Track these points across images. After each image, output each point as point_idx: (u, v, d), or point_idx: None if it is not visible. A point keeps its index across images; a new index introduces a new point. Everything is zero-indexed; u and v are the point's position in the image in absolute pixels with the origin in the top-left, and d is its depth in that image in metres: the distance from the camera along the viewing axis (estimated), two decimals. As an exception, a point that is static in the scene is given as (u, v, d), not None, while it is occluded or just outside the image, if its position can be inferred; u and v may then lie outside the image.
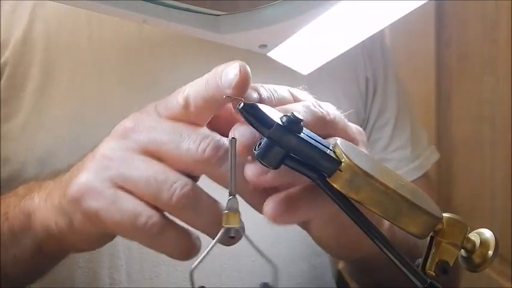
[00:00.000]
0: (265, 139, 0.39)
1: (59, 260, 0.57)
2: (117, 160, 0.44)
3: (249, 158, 0.41)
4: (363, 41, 0.78)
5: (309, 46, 0.57)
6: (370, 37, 0.79)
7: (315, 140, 0.40)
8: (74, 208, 0.45)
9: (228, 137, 0.41)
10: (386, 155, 0.80)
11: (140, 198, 0.43)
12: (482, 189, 1.27)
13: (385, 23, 0.55)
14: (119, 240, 0.67)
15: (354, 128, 0.47)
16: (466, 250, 0.43)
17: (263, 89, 0.44)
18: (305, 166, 0.40)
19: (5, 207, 0.56)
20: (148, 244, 0.44)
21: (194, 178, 0.44)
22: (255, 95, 0.43)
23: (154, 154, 0.43)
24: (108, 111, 0.47)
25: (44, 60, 0.68)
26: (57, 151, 0.66)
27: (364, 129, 0.79)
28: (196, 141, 0.42)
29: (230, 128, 0.42)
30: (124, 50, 0.69)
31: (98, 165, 0.44)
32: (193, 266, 0.40)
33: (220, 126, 0.44)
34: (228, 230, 0.41)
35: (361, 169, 0.39)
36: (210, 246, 0.40)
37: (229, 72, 0.42)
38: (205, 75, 0.43)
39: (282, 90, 0.45)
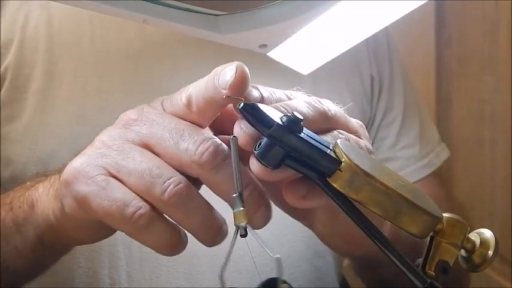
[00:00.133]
0: (265, 139, 0.39)
1: (60, 254, 0.57)
2: (114, 149, 0.44)
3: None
4: (367, 39, 0.78)
5: (309, 46, 0.57)
6: (375, 35, 0.79)
7: (315, 139, 0.40)
8: (65, 191, 0.45)
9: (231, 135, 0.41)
10: (394, 153, 0.79)
11: (132, 189, 0.43)
12: (482, 189, 1.27)
13: (385, 23, 0.55)
14: (119, 240, 0.67)
15: (354, 122, 0.47)
16: (466, 250, 0.43)
17: (263, 89, 0.44)
18: (305, 166, 0.40)
19: (10, 198, 0.56)
20: (134, 235, 0.44)
21: (199, 180, 0.44)
22: (256, 94, 0.43)
23: (152, 149, 0.43)
24: (109, 112, 0.47)
25: (46, 61, 0.68)
26: (58, 152, 0.66)
27: (371, 127, 0.79)
28: (196, 143, 0.42)
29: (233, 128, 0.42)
30: (126, 51, 0.69)
31: (95, 151, 0.44)
32: (221, 269, 0.40)
33: (224, 126, 0.44)
34: (238, 228, 0.41)
35: (361, 169, 0.39)
36: (230, 248, 0.40)
37: (226, 73, 0.42)
38: (206, 76, 0.43)
39: (279, 92, 0.45)
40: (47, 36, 0.68)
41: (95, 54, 0.68)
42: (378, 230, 0.40)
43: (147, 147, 0.43)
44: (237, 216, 0.41)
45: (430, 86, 1.40)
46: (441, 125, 1.35)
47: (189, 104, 0.43)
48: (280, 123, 0.39)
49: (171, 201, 0.42)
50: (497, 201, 1.21)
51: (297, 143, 0.39)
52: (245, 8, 0.51)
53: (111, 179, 0.43)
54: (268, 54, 0.56)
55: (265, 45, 0.54)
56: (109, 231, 0.48)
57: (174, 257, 0.57)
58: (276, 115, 0.40)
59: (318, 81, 0.73)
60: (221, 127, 0.45)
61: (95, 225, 0.46)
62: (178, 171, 0.43)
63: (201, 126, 0.44)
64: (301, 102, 0.44)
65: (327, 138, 0.43)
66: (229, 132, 0.42)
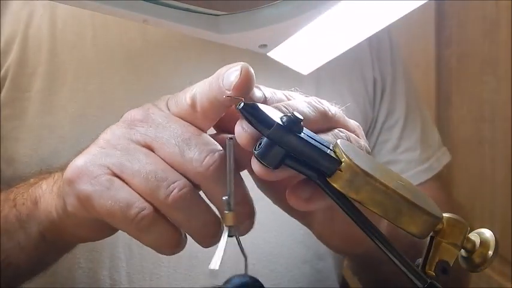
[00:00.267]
0: (265, 139, 0.39)
1: (62, 251, 0.57)
2: (119, 149, 0.43)
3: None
4: (371, 42, 0.78)
5: (309, 46, 0.57)
6: (378, 37, 0.79)
7: (315, 140, 0.40)
8: (68, 190, 0.45)
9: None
10: (395, 156, 0.79)
11: (135, 190, 0.43)
12: (482, 189, 1.27)
13: (385, 23, 0.55)
14: (119, 241, 0.67)
15: (352, 122, 0.48)
16: (466, 250, 0.43)
17: (265, 89, 0.44)
18: (305, 166, 0.40)
19: (13, 195, 0.56)
20: (135, 236, 0.44)
21: None
22: (259, 94, 0.43)
23: (156, 152, 0.43)
24: (111, 112, 0.47)
25: (49, 61, 0.68)
26: (60, 152, 0.66)
27: (373, 130, 0.79)
28: (202, 153, 0.42)
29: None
30: (128, 52, 0.69)
31: (99, 150, 0.44)
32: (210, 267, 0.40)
33: (229, 125, 0.44)
34: (229, 229, 0.42)
35: (361, 169, 0.39)
36: (221, 248, 0.41)
37: (231, 74, 0.42)
38: (210, 76, 0.43)
39: (279, 93, 0.45)
40: (50, 36, 0.68)
41: (97, 55, 0.69)
42: (378, 230, 0.40)
43: (150, 149, 0.43)
44: (227, 218, 0.42)
45: (430, 86, 1.40)
46: (441, 125, 1.35)
47: (193, 104, 0.43)
48: (280, 123, 0.39)
49: (175, 205, 0.42)
50: (497, 201, 1.21)
51: (297, 143, 0.39)
52: (245, 8, 0.51)
53: (115, 179, 0.43)
54: (268, 54, 0.56)
55: (265, 45, 0.54)
56: (111, 229, 0.48)
57: (175, 258, 0.58)
58: (276, 115, 0.40)
59: (320, 83, 0.73)
60: (225, 126, 0.45)
61: (97, 224, 0.46)
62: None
63: (206, 127, 0.44)
64: (302, 102, 0.44)
65: (328, 137, 0.43)
66: (233, 131, 0.42)
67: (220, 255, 0.40)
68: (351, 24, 0.54)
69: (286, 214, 0.50)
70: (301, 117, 0.39)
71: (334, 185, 0.40)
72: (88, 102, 0.67)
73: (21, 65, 0.67)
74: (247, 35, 0.52)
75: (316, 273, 0.75)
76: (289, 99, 0.45)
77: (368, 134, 0.78)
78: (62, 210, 0.48)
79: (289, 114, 0.40)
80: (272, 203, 0.49)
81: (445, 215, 0.42)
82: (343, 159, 0.39)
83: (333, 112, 0.45)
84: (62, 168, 0.48)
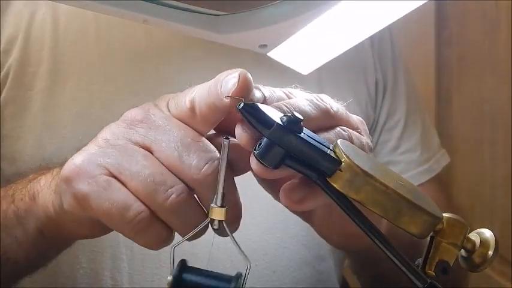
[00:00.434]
0: (265, 139, 0.39)
1: (61, 247, 0.56)
2: (117, 149, 0.43)
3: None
4: (373, 43, 0.78)
5: (309, 46, 0.57)
6: (380, 38, 0.79)
7: (315, 140, 0.40)
8: (65, 188, 0.44)
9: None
10: (395, 157, 0.80)
11: (133, 192, 0.42)
12: (482, 189, 1.27)
13: (385, 23, 0.55)
14: (121, 241, 0.67)
15: (355, 118, 0.47)
16: (466, 250, 0.43)
17: (264, 89, 0.44)
18: (305, 166, 0.40)
19: (12, 191, 0.56)
20: (130, 236, 0.44)
21: None
22: (259, 95, 0.43)
23: (154, 154, 0.43)
24: (114, 112, 0.47)
25: (52, 60, 0.68)
26: (62, 151, 0.66)
27: (374, 130, 0.79)
28: (201, 161, 0.42)
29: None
30: (131, 52, 0.69)
31: (98, 149, 0.44)
32: (174, 244, 0.41)
33: (229, 125, 0.44)
34: (212, 221, 0.42)
35: (361, 169, 0.39)
36: (191, 233, 0.42)
37: (229, 80, 0.42)
38: (210, 81, 0.43)
39: (278, 91, 0.45)
40: (53, 35, 0.68)
41: (100, 54, 0.68)
42: (378, 230, 0.40)
43: (149, 150, 0.43)
44: (216, 212, 0.42)
45: (430, 86, 1.40)
46: (441, 125, 1.35)
47: (192, 108, 0.43)
48: (280, 123, 0.39)
49: (172, 209, 0.42)
50: (497, 201, 1.21)
51: (297, 143, 0.39)
52: (245, 8, 0.51)
53: (112, 179, 0.43)
54: (268, 54, 0.56)
55: (265, 45, 0.54)
56: (108, 228, 0.48)
57: (176, 258, 0.57)
58: (276, 115, 0.40)
59: (322, 84, 0.73)
60: (225, 126, 0.45)
61: (94, 222, 0.46)
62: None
63: (205, 130, 0.44)
64: (303, 100, 0.44)
65: (329, 135, 0.43)
66: (233, 132, 0.42)
67: None
68: (351, 24, 0.54)
69: (288, 216, 0.50)
70: (301, 117, 0.39)
71: (334, 185, 0.40)
72: (90, 102, 0.67)
73: (23, 63, 0.67)
74: (247, 35, 0.52)
75: (318, 274, 0.75)
76: (289, 97, 0.45)
77: None
78: (59, 206, 0.47)
79: (289, 114, 0.39)
80: (274, 204, 0.49)
81: (445, 215, 0.42)
82: (343, 159, 0.39)
83: (335, 109, 0.45)
84: (62, 164, 0.48)
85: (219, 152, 0.43)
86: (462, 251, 0.43)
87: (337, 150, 0.40)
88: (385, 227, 0.47)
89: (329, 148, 0.40)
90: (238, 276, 0.40)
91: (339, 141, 0.41)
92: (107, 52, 0.69)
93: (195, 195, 0.44)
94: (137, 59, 0.69)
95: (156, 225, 0.43)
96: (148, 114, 0.44)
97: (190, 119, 0.43)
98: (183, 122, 0.44)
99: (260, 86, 0.44)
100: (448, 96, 1.38)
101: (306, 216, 0.51)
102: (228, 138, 0.42)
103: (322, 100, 0.44)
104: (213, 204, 0.42)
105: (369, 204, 0.40)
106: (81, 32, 0.69)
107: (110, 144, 0.44)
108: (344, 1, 0.49)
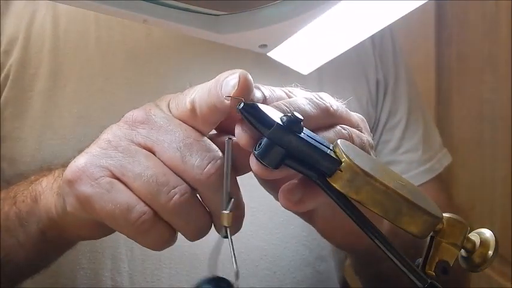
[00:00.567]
0: (265, 139, 0.39)
1: (63, 248, 0.56)
2: (120, 150, 0.43)
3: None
4: (374, 43, 0.78)
5: (309, 46, 0.57)
6: (381, 38, 0.79)
7: (315, 140, 0.40)
8: (68, 190, 0.44)
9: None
10: (396, 157, 0.80)
11: (135, 193, 0.42)
12: (482, 189, 1.27)
13: (385, 22, 0.55)
14: (121, 242, 0.67)
15: (356, 115, 0.47)
16: (466, 250, 0.43)
17: (264, 88, 0.44)
18: (305, 166, 0.40)
19: (14, 192, 0.56)
20: (133, 238, 0.44)
21: None
22: (259, 95, 0.43)
23: (156, 154, 0.43)
24: (114, 113, 0.47)
25: (52, 61, 0.68)
26: (62, 153, 0.66)
27: (375, 130, 0.79)
28: (203, 161, 0.42)
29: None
30: (131, 53, 0.69)
31: (100, 150, 0.44)
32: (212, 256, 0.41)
33: (230, 125, 0.44)
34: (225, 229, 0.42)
35: (361, 169, 0.39)
36: (218, 247, 0.41)
37: (229, 81, 0.41)
38: (210, 81, 0.43)
39: (278, 90, 0.45)
40: (53, 36, 0.68)
41: (100, 55, 0.68)
42: (378, 230, 0.40)
43: (151, 151, 0.43)
44: (226, 218, 0.42)
45: (430, 86, 1.40)
46: (441, 125, 1.35)
47: (193, 109, 0.43)
48: (280, 123, 0.39)
49: (175, 210, 0.42)
50: (497, 201, 1.22)
51: (297, 143, 0.39)
52: (245, 8, 0.51)
53: (115, 181, 0.43)
54: (268, 54, 0.56)
55: (265, 45, 0.54)
56: (110, 229, 0.48)
57: (176, 259, 0.57)
58: (276, 115, 0.40)
59: (323, 84, 0.73)
60: (226, 126, 0.45)
61: (96, 223, 0.46)
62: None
63: (206, 130, 0.44)
64: (302, 99, 0.43)
65: (329, 134, 0.43)
66: (233, 132, 0.42)
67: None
68: (351, 24, 0.54)
69: (288, 216, 0.50)
70: (301, 117, 0.39)
71: (334, 185, 0.40)
72: (91, 102, 0.67)
73: (23, 64, 0.67)
74: (247, 35, 0.52)
75: (318, 274, 0.75)
76: (289, 96, 0.45)
77: None
78: (62, 208, 0.47)
79: (289, 114, 0.39)
80: (274, 205, 0.49)
81: (445, 215, 0.42)
82: (343, 159, 0.39)
83: (335, 107, 0.45)
84: (63, 165, 0.48)
85: (221, 151, 0.43)
86: (462, 251, 0.43)
87: (337, 150, 0.40)
88: (386, 226, 0.47)
89: (329, 148, 0.40)
90: None
91: (339, 141, 0.41)
92: (107, 53, 0.68)
93: (199, 196, 0.44)
94: (137, 59, 0.69)
95: (159, 226, 0.43)
96: (150, 115, 0.44)
97: (192, 120, 0.43)
98: (184, 123, 0.44)
99: (260, 86, 0.44)
100: (448, 96, 1.38)
101: (307, 216, 0.51)
102: (230, 139, 0.41)
103: (321, 99, 0.44)
104: (224, 211, 0.42)
105: (369, 204, 0.40)
106: (82, 32, 0.69)
107: (112, 145, 0.44)
108: (344, 1, 0.49)
